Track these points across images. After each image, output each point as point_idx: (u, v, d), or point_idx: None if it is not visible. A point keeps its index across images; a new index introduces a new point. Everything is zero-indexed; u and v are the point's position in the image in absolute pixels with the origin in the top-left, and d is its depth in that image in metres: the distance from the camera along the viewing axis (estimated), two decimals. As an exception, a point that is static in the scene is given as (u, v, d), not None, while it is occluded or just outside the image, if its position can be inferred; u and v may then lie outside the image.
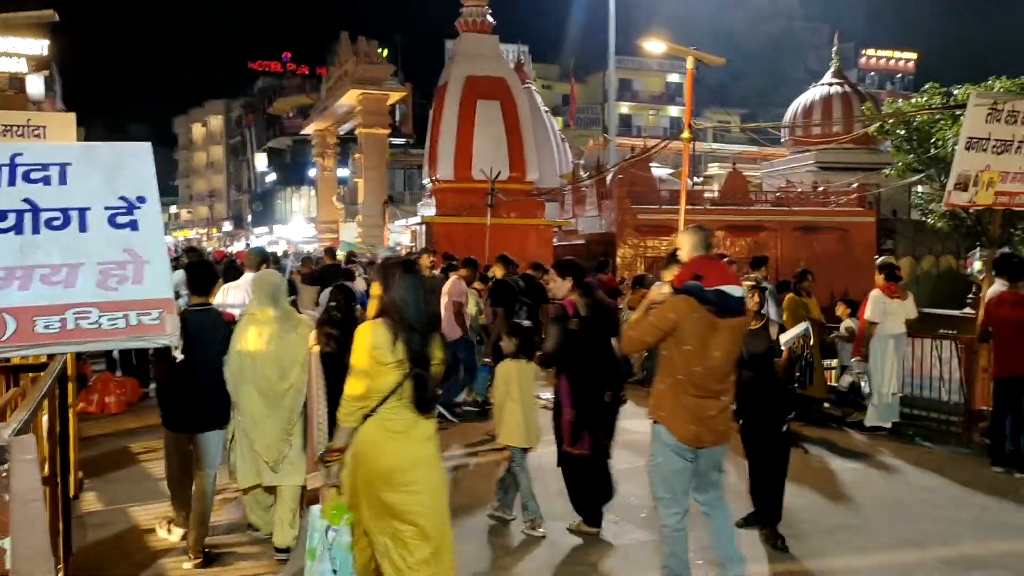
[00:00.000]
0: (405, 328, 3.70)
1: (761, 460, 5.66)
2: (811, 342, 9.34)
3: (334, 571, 3.61)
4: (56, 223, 3.35)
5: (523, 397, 5.71)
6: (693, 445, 4.30)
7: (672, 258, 5.28)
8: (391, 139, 37.34)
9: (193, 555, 5.01)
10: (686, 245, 4.54)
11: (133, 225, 3.40)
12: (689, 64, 11.28)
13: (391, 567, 3.69)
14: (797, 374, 9.42)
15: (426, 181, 22.51)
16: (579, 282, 5.62)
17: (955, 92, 18.14)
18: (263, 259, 8.27)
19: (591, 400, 5.48)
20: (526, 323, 6.12)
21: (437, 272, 10.49)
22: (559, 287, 5.68)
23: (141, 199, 3.48)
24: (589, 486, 5.63)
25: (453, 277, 9.71)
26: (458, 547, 5.16)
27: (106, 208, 3.42)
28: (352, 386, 3.71)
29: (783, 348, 5.57)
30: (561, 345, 5.46)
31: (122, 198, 3.46)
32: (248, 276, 7.12)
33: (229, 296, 7.06)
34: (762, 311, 5.78)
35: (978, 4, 69.93)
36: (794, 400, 6.16)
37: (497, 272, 9.65)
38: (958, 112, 14.20)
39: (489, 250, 15.67)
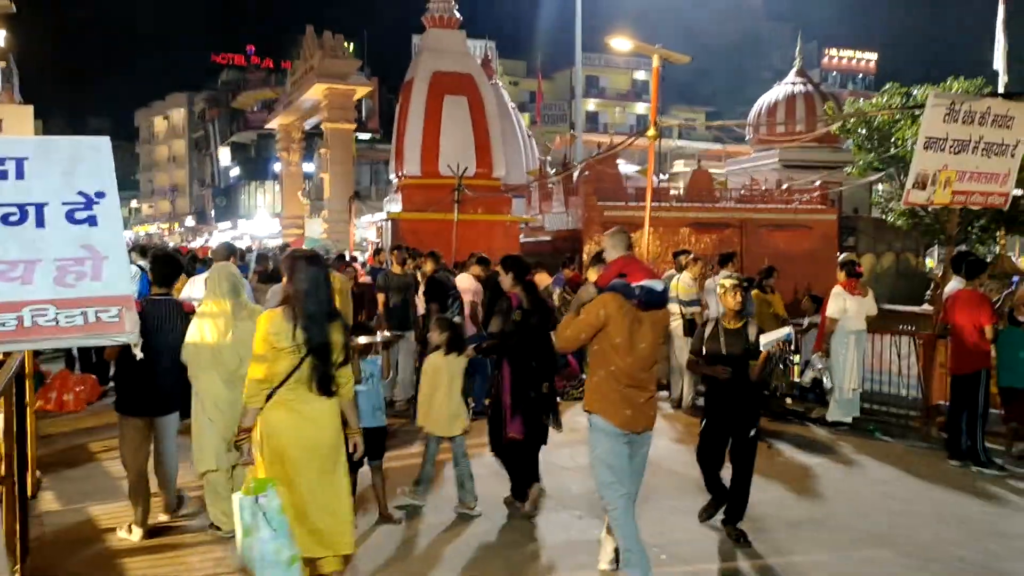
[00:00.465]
0: (304, 316, 4.04)
1: (718, 459, 5.66)
2: (791, 347, 9.38)
3: (274, 530, 3.81)
4: (13, 219, 3.29)
5: (451, 389, 5.91)
6: (628, 430, 4.58)
7: (598, 258, 5.59)
8: (357, 134, 37.10)
9: (164, 511, 5.54)
10: (610, 246, 4.90)
11: (92, 221, 3.36)
12: (655, 62, 11.34)
13: (295, 533, 3.97)
14: (773, 383, 9.45)
15: (392, 177, 22.40)
16: (520, 277, 5.96)
17: (915, 92, 18.42)
18: (231, 253, 8.27)
19: (528, 389, 5.83)
20: (456, 319, 6.24)
21: (412, 270, 10.38)
22: (503, 281, 6.03)
23: (100, 194, 3.43)
24: (522, 466, 5.98)
25: (467, 275, 9.71)
26: (428, 541, 5.19)
27: (64, 203, 3.37)
28: (254, 371, 4.07)
29: (762, 350, 5.44)
30: (504, 334, 5.86)
31: (81, 193, 3.41)
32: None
33: (195, 289, 7.05)
34: (743, 311, 5.73)
35: (937, 6, 71.12)
36: (762, 402, 6.17)
37: (428, 268, 9.72)
38: (917, 112, 14.43)
39: (456, 246, 15.63)
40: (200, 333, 5.12)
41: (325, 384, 4.08)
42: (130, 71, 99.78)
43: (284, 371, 4.02)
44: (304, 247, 20.23)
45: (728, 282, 5.70)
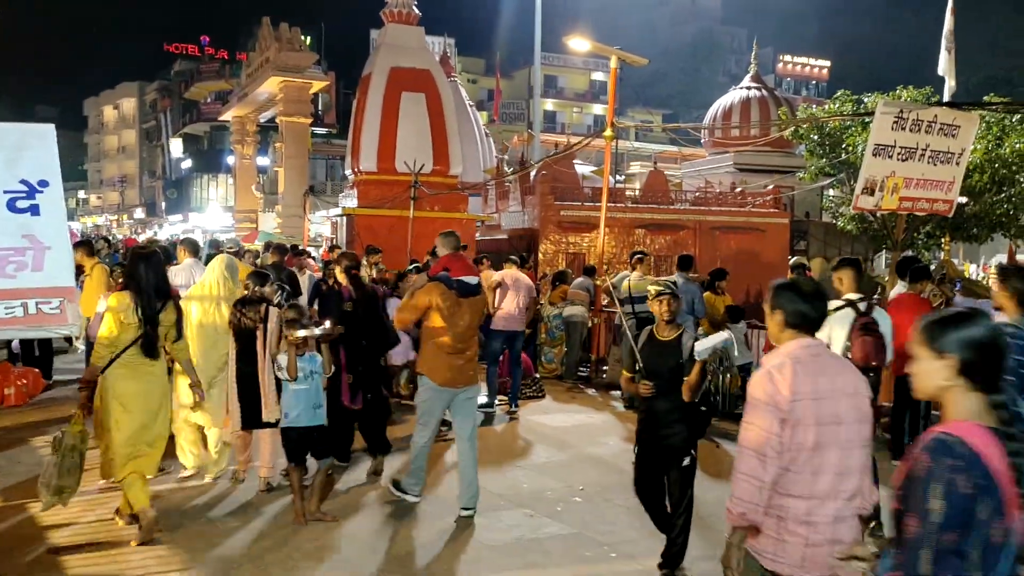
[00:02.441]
0: (141, 297, 5.14)
1: (658, 492, 4.92)
2: (733, 354, 9.26)
3: (58, 460, 4.91)
4: (-50, 206, 3.19)
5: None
6: (448, 387, 5.82)
7: (433, 252, 6.77)
8: (313, 128, 36.73)
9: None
10: (441, 245, 6.11)
11: (34, 210, 3.28)
12: (613, 63, 11.43)
13: (124, 457, 5.17)
14: (715, 397, 9.24)
15: (348, 172, 22.23)
16: (349, 271, 6.90)
17: (865, 100, 18.78)
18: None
19: (359, 365, 6.62)
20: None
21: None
22: (337, 274, 7.07)
23: (43, 183, 3.35)
24: (349, 433, 6.84)
25: (524, 274, 10.24)
26: (376, 537, 5.15)
27: (5, 192, 3.28)
28: (103, 337, 5.05)
29: (696, 359, 4.59)
30: (340, 320, 6.59)
31: (23, 182, 3.33)
32: (189, 261, 7.98)
33: (178, 277, 7.56)
34: (678, 320, 4.94)
35: (889, 17, 72.67)
36: (703, 423, 5.15)
37: (270, 259, 10.60)
38: (867, 119, 14.71)
39: (411, 243, 15.57)
40: (187, 311, 6.11)
41: (152, 350, 5.22)
42: (80, 59, 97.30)
43: (128, 340, 5.10)
44: (258, 242, 20.02)
45: (653, 288, 4.88)
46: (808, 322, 3.00)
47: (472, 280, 5.86)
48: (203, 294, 6.38)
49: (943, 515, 2.01)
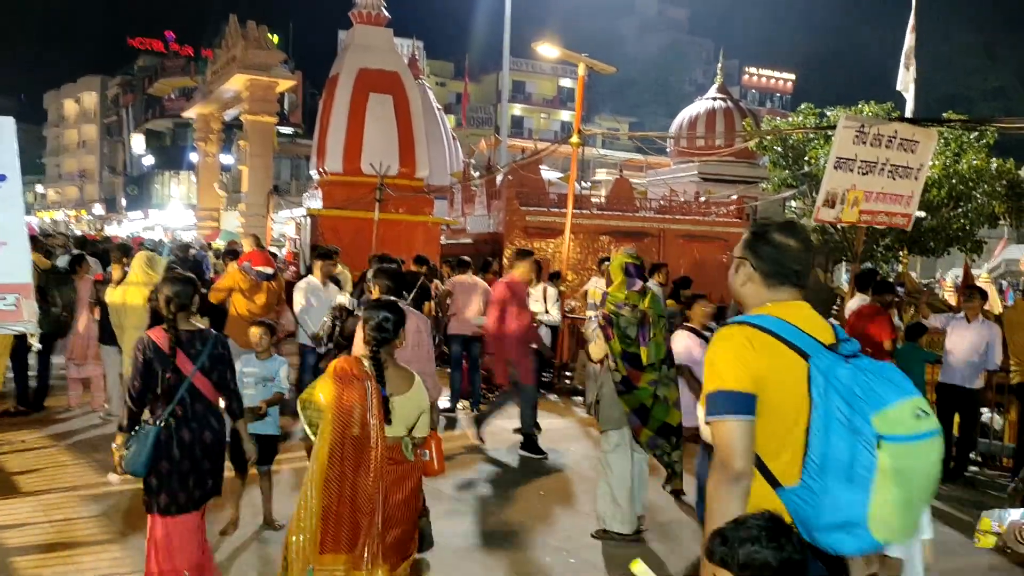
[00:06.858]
0: None
1: None
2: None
3: None
4: (-98, 198, 3.11)
5: None
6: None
7: (241, 248, 9.00)
8: (279, 128, 36.39)
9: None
10: (246, 244, 8.44)
11: (-9, 204, 3.21)
12: (581, 70, 11.50)
13: None
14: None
15: (313, 173, 22.06)
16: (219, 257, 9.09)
17: (828, 114, 19.07)
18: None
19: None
20: None
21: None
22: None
23: (1, 177, 3.28)
24: None
25: (482, 279, 10.37)
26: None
27: (-39, 185, 3.20)
28: None
29: None
30: (207, 306, 7.93)
31: (-21, 175, 3.25)
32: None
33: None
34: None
35: (852, 32, 73.96)
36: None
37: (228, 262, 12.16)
38: (830, 133, 14.93)
39: (376, 246, 15.48)
40: (123, 294, 7.62)
41: None
42: (40, 50, 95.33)
43: None
44: (219, 240, 19.83)
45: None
46: (392, 291, 5.03)
47: (268, 270, 8.04)
48: (129, 281, 7.81)
49: (136, 369, 3.85)
